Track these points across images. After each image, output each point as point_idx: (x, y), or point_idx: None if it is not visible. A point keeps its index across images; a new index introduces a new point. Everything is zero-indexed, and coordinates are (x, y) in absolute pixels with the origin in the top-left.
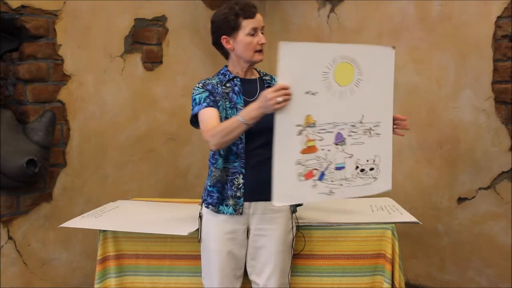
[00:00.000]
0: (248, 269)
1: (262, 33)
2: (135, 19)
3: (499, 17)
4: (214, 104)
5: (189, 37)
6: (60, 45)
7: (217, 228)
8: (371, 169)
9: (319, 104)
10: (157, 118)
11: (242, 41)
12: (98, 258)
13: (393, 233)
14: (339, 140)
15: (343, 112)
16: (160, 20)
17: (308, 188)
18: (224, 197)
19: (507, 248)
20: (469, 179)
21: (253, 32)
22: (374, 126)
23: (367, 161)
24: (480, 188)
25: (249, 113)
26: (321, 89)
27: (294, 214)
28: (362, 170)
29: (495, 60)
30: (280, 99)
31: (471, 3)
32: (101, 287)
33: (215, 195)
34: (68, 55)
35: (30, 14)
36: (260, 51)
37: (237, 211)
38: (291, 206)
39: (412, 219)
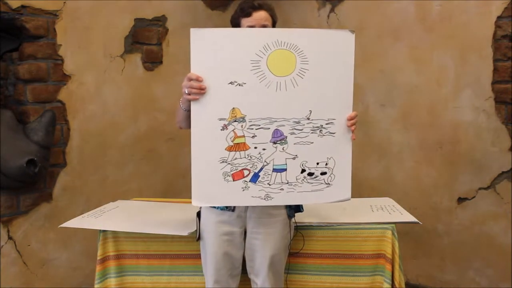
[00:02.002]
0: (247, 269)
1: None
2: (135, 19)
3: (499, 17)
4: None
5: (189, 37)
6: (60, 45)
7: (214, 229)
8: (323, 173)
9: (249, 97)
10: (157, 118)
11: None
12: (98, 258)
13: (393, 233)
14: (278, 138)
15: (282, 106)
16: (160, 20)
17: (237, 190)
18: None
19: (507, 248)
20: (469, 179)
21: None
22: (327, 124)
23: (318, 164)
24: (480, 188)
25: (183, 97)
26: (251, 80)
27: (292, 219)
28: (310, 174)
29: (495, 60)
30: (186, 90)
31: (471, 3)
32: (101, 287)
33: None
34: (68, 55)
35: (30, 14)
36: None
37: (229, 207)
38: (287, 211)
39: (412, 219)
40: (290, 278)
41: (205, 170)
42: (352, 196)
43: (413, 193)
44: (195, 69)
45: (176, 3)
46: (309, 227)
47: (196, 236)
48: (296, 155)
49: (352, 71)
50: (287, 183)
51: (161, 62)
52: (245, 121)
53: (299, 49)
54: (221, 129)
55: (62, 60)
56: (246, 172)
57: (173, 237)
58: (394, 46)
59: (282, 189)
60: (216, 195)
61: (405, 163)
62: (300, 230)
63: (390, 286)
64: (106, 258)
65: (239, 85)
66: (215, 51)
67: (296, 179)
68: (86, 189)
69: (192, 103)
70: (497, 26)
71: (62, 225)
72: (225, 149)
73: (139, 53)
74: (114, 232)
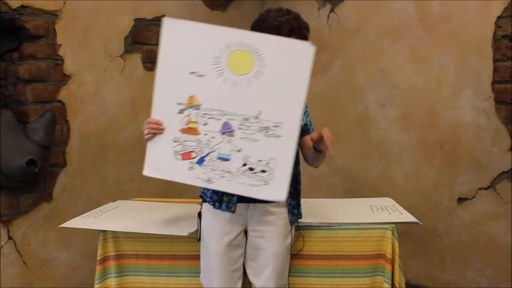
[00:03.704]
0: (247, 270)
1: None
2: (135, 19)
3: (499, 17)
4: None
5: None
6: (60, 45)
7: (215, 228)
8: (263, 171)
9: (207, 88)
10: None
11: None
12: (98, 258)
13: (393, 233)
14: (227, 130)
15: (235, 102)
16: (160, 20)
17: (184, 168)
18: (219, 192)
19: (507, 248)
20: (469, 179)
21: None
22: (274, 126)
23: (259, 161)
24: (480, 188)
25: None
26: (210, 73)
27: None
28: (251, 169)
29: (495, 60)
30: (145, 131)
31: (471, 3)
32: (101, 287)
33: (210, 190)
34: (68, 55)
35: (30, 14)
36: None
37: (230, 208)
38: (289, 216)
39: (412, 219)
40: (291, 281)
41: (159, 146)
42: (352, 196)
43: (413, 193)
44: (163, 55)
45: (176, 3)
46: (309, 227)
47: (197, 237)
48: (240, 149)
49: (306, 82)
50: (229, 172)
51: None
52: (200, 109)
53: (258, 52)
54: (178, 112)
55: (62, 60)
56: (193, 155)
57: (172, 238)
58: (394, 46)
59: (223, 176)
60: (165, 169)
61: (405, 163)
62: (300, 230)
63: (390, 286)
64: (106, 258)
65: (200, 76)
66: (183, 42)
67: (237, 170)
68: (86, 189)
69: (156, 87)
70: (497, 26)
71: (62, 225)
72: (179, 131)
73: (139, 53)
74: (114, 232)
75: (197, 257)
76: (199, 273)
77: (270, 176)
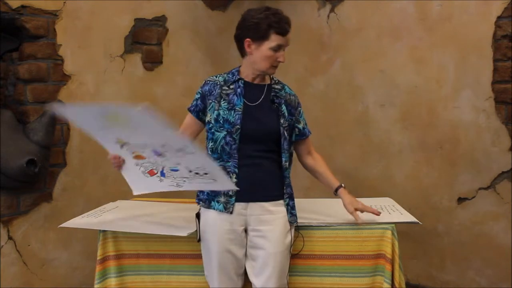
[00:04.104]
0: (247, 270)
1: (283, 50)
2: (135, 19)
3: (499, 17)
4: (197, 110)
5: (189, 37)
6: (60, 45)
7: (215, 228)
8: (206, 173)
9: (119, 131)
10: None
11: (263, 52)
12: (98, 258)
13: (393, 233)
14: (158, 154)
15: (145, 137)
16: (160, 20)
17: (156, 181)
18: (216, 193)
19: (507, 248)
20: (469, 179)
21: (278, 48)
22: (183, 148)
23: (197, 167)
24: (480, 188)
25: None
26: (111, 126)
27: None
28: (197, 173)
29: (495, 60)
30: (112, 165)
31: (471, 3)
32: (101, 287)
33: (207, 190)
34: (68, 55)
35: (30, 14)
36: (276, 66)
37: (227, 209)
38: (288, 217)
39: (412, 219)
40: (291, 280)
41: (130, 171)
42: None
43: (413, 193)
44: (76, 124)
45: (176, 3)
46: (309, 227)
47: (197, 237)
48: (178, 163)
49: (168, 129)
50: (185, 177)
51: (161, 62)
52: (130, 144)
53: (119, 113)
54: (121, 148)
55: (62, 60)
56: (155, 171)
57: (173, 237)
58: (394, 46)
59: (184, 181)
60: (146, 186)
61: (405, 163)
62: (300, 230)
63: (390, 286)
64: (106, 258)
65: (107, 128)
66: (79, 114)
67: (189, 175)
68: (86, 189)
69: (95, 137)
70: (497, 26)
71: (62, 225)
72: (133, 158)
73: (139, 53)
74: (114, 232)
75: (197, 256)
76: (200, 271)
77: (213, 175)
